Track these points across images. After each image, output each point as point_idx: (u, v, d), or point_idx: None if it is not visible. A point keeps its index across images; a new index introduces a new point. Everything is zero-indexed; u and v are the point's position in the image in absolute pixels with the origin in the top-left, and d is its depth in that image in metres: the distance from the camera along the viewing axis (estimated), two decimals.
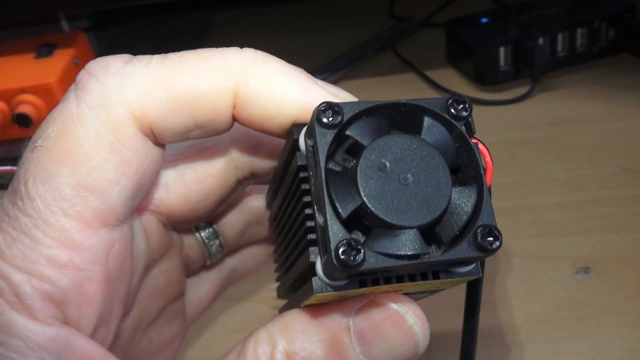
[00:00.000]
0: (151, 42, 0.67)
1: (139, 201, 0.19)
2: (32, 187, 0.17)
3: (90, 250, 0.18)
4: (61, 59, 0.53)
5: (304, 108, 0.18)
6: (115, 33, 0.68)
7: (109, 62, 0.19)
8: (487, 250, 0.17)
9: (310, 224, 0.18)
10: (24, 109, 0.50)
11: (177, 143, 0.20)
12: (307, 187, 0.18)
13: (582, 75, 0.53)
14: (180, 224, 0.23)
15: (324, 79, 0.60)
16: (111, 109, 0.18)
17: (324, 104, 0.17)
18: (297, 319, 0.19)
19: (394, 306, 0.19)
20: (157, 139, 0.19)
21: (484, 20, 0.55)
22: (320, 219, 0.17)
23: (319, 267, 0.17)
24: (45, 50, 0.54)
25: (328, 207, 0.16)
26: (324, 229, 0.17)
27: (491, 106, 0.51)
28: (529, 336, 0.33)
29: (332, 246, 0.16)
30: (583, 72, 0.53)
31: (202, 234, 0.25)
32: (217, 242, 0.25)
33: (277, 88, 0.19)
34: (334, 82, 0.57)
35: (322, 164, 0.17)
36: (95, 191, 0.18)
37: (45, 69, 0.51)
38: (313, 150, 0.17)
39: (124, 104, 0.18)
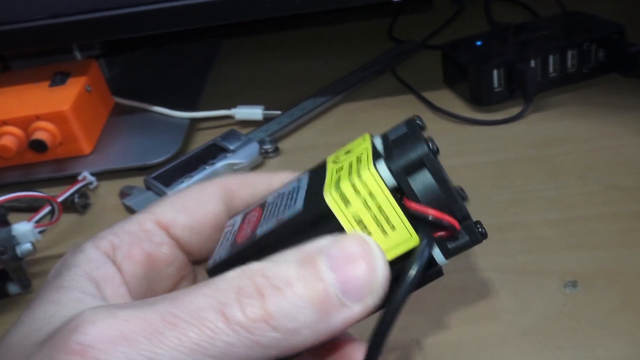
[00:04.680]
0: (159, 68, 0.69)
1: (191, 236, 0.28)
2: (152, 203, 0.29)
3: (149, 233, 0.27)
4: (74, 87, 0.55)
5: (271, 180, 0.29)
6: (125, 59, 0.71)
7: None
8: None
9: None
10: (39, 135, 0.53)
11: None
12: None
13: (573, 95, 0.55)
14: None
15: (325, 102, 0.62)
16: (212, 180, 0.30)
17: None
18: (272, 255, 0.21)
19: (359, 233, 0.21)
20: (233, 204, 0.29)
21: (479, 43, 0.58)
22: None
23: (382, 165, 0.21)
24: (59, 78, 0.57)
25: None
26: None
27: (486, 126, 0.53)
28: (519, 347, 0.35)
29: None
30: (574, 92, 0.55)
31: None
32: None
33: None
34: (336, 105, 0.60)
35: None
36: (175, 210, 0.28)
37: (59, 97, 0.54)
38: None
39: (219, 179, 0.30)
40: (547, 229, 0.42)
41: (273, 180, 0.29)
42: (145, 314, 0.19)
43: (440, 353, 0.35)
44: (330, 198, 0.21)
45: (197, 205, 0.28)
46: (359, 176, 0.21)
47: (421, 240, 0.21)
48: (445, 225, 0.21)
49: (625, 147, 0.48)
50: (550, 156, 0.48)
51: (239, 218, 0.28)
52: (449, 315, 0.37)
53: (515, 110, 0.54)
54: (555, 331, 0.35)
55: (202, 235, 0.28)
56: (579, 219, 0.42)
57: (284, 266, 0.20)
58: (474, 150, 0.51)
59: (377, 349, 0.21)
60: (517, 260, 0.40)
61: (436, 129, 0.55)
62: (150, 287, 0.27)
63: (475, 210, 0.23)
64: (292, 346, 0.19)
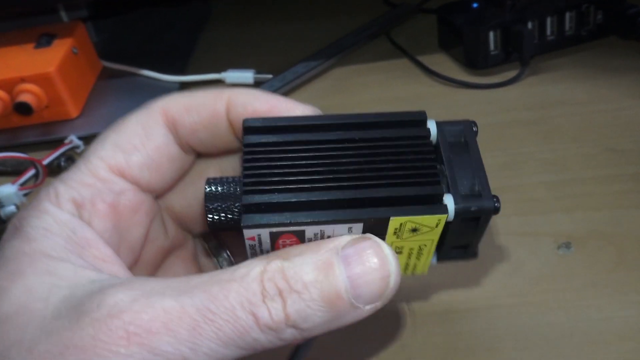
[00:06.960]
0: (148, 32, 0.68)
1: (150, 174, 0.27)
2: (92, 144, 0.26)
3: (107, 182, 0.25)
4: (60, 48, 0.54)
5: (272, 106, 0.28)
6: (113, 23, 0.69)
7: None
8: None
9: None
10: (24, 97, 0.51)
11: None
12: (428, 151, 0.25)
13: (571, 58, 0.54)
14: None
15: (318, 66, 0.60)
16: (150, 107, 0.27)
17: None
18: (293, 247, 0.23)
19: (376, 239, 0.23)
20: (178, 133, 0.27)
21: (475, 5, 0.56)
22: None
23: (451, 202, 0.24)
24: (44, 40, 0.55)
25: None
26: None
27: (481, 89, 0.52)
28: (511, 308, 0.34)
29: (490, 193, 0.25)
30: (571, 55, 0.54)
31: None
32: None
33: (252, 93, 0.28)
34: (329, 69, 0.59)
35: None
36: (124, 151, 0.26)
37: (44, 59, 0.53)
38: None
39: (158, 105, 0.27)
40: (541, 191, 0.41)
41: (218, 104, 0.27)
42: (184, 307, 0.20)
43: (431, 316, 0.35)
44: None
45: (146, 140, 0.26)
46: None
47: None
48: None
49: (622, 110, 0.47)
50: (547, 119, 0.47)
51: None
52: (440, 278, 0.37)
53: (512, 74, 0.53)
54: (548, 293, 0.35)
55: (159, 172, 0.27)
56: (574, 181, 0.41)
57: (302, 269, 0.22)
58: (469, 113, 0.50)
59: None
60: (511, 222, 0.39)
61: (431, 93, 0.54)
62: (122, 238, 0.26)
63: None
64: (306, 337, 0.22)
